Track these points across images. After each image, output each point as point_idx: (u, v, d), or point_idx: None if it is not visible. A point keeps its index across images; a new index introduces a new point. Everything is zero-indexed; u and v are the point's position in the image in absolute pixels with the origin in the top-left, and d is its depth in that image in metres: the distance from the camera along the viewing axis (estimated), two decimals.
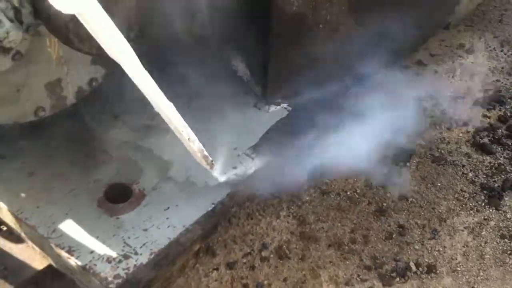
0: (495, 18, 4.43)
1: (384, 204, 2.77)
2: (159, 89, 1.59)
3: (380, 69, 2.96)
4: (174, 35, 2.49)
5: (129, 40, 2.04)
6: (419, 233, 2.64)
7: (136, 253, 1.76)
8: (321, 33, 2.38)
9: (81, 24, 1.65)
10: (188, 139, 1.73)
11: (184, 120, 2.34)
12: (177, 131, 1.70)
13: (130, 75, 1.54)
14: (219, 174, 2.04)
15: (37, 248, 1.92)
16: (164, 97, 1.62)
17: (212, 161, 1.85)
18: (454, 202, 2.81)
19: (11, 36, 1.61)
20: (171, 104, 1.64)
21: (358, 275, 2.45)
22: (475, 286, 2.43)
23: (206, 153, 1.81)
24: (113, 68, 2.15)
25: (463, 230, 2.67)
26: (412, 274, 2.46)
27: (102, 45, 1.50)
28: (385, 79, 3.30)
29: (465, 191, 2.87)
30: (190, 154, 2.15)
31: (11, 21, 1.61)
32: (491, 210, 2.78)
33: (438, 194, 2.85)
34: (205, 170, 2.09)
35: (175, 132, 1.71)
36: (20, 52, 1.72)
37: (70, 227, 1.82)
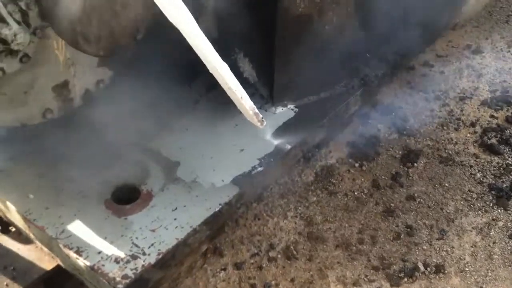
0: (502, 19, 4.43)
1: (392, 205, 2.76)
2: (214, 50, 1.62)
3: (386, 70, 2.96)
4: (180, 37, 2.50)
5: (136, 41, 2.07)
6: (427, 233, 2.63)
7: (144, 254, 1.76)
8: (327, 35, 2.38)
9: (88, 26, 1.67)
10: (241, 97, 1.76)
11: (192, 121, 2.36)
12: (230, 91, 1.74)
13: (186, 36, 1.57)
14: (269, 133, 2.14)
15: (45, 249, 1.93)
16: (219, 58, 1.65)
17: (262, 118, 1.87)
18: (462, 202, 2.81)
19: (18, 38, 1.62)
20: (225, 64, 1.67)
21: (366, 276, 2.44)
22: (484, 286, 2.42)
23: (257, 110, 1.84)
24: (120, 70, 2.17)
25: (471, 231, 2.66)
26: (420, 274, 2.45)
27: (160, 7, 1.53)
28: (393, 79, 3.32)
29: (473, 192, 2.86)
30: (197, 155, 2.17)
31: (19, 23, 1.63)
32: (499, 211, 2.77)
33: (446, 194, 2.84)
34: (212, 171, 2.11)
35: (227, 92, 1.76)
36: (28, 54, 1.74)
37: (78, 228, 1.83)
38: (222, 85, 1.73)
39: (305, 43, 2.34)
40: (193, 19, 1.55)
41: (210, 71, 1.68)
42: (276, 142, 2.22)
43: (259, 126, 1.90)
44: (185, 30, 1.56)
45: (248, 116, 1.86)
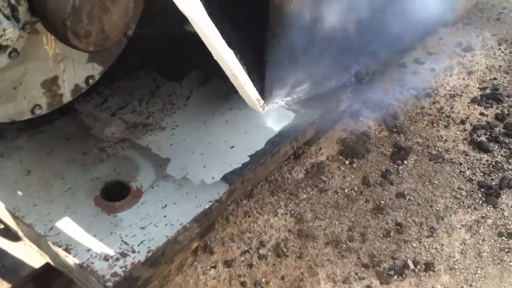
0: (493, 17, 4.44)
1: (382, 202, 2.77)
2: (221, 37, 1.62)
3: (377, 67, 2.97)
4: (172, 34, 2.50)
5: (126, 37, 2.05)
6: (417, 231, 2.64)
7: (133, 251, 1.76)
8: (319, 31, 2.37)
9: (78, 22, 1.65)
10: (244, 84, 1.77)
11: (183, 118, 2.36)
12: (234, 77, 1.77)
13: (192, 22, 1.58)
14: (273, 122, 2.19)
15: (34, 247, 1.92)
16: (225, 44, 1.67)
17: (264, 103, 1.88)
18: (451, 200, 2.81)
19: (7, 33, 1.60)
20: (231, 51, 1.71)
21: (356, 273, 2.45)
22: (473, 284, 2.43)
23: (259, 96, 1.85)
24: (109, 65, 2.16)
25: (460, 228, 2.67)
26: (410, 272, 2.46)
27: None
28: (383, 76, 3.32)
29: (462, 189, 2.87)
30: (187, 152, 2.17)
31: (8, 18, 1.60)
32: (488, 208, 2.78)
33: (435, 192, 2.85)
34: (202, 168, 2.10)
35: (230, 78, 1.79)
36: (17, 49, 1.72)
37: (67, 225, 1.82)
38: (226, 71, 1.74)
39: (297, 40, 2.34)
40: (201, 5, 1.55)
41: (215, 58, 1.68)
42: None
43: (261, 112, 1.90)
44: (193, 17, 1.56)
45: (249, 102, 1.88)
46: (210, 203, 1.95)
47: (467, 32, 4.22)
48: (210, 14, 2.00)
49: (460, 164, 3.02)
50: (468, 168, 2.99)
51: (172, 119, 2.34)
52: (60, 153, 2.13)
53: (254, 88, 1.82)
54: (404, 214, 2.72)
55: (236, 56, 2.47)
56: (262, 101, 1.87)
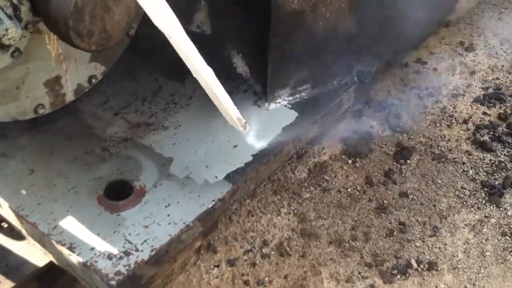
0: (495, 16, 4.43)
1: (385, 201, 2.77)
2: (198, 53, 1.60)
3: (379, 67, 2.96)
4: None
5: (128, 36, 2.06)
6: (420, 230, 2.64)
7: (137, 250, 1.76)
8: (321, 31, 2.37)
9: (81, 21, 1.65)
10: (224, 102, 1.75)
11: (185, 117, 2.35)
12: (213, 95, 1.73)
13: (169, 38, 1.56)
14: (254, 140, 2.11)
15: (38, 245, 1.92)
16: (203, 62, 1.63)
17: (245, 123, 1.86)
18: (454, 199, 2.81)
19: (10, 33, 1.60)
20: (210, 68, 1.66)
21: (359, 272, 2.45)
22: (476, 283, 2.43)
23: (240, 115, 1.83)
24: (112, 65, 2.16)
25: (464, 228, 2.67)
26: (413, 271, 2.46)
27: (144, 8, 1.52)
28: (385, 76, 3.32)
29: (465, 189, 2.87)
30: (190, 152, 2.17)
31: (10, 18, 1.61)
32: (492, 208, 2.78)
33: (438, 191, 2.85)
34: (205, 167, 2.10)
35: (211, 96, 1.74)
36: (19, 49, 1.72)
37: (71, 224, 1.82)
38: (206, 90, 1.71)
39: (299, 39, 2.34)
40: (178, 20, 1.53)
41: (193, 75, 1.66)
42: (258, 145, 2.20)
43: (242, 131, 1.90)
44: (169, 32, 1.54)
45: (231, 121, 1.85)
46: (213, 202, 1.95)
47: (469, 32, 4.22)
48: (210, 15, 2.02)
49: (463, 163, 3.02)
50: (471, 168, 2.99)
51: (175, 118, 2.34)
52: (63, 153, 2.13)
53: (235, 107, 1.80)
54: (407, 213, 2.72)
55: (238, 56, 2.49)
56: (244, 121, 1.84)
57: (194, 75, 1.66)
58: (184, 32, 1.56)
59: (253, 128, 2.30)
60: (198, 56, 1.62)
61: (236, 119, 1.83)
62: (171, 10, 1.52)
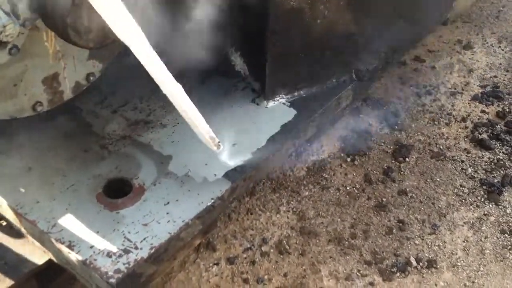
0: (493, 14, 4.44)
1: (384, 199, 2.76)
2: (167, 71, 1.58)
3: (377, 65, 2.96)
4: (171, 30, 2.48)
5: None
6: (419, 228, 2.64)
7: (136, 248, 1.75)
8: (319, 29, 2.37)
9: (79, 18, 1.65)
10: (195, 120, 1.72)
11: None
12: (184, 113, 1.70)
13: (138, 56, 1.53)
14: (226, 157, 2.05)
15: (37, 243, 1.91)
16: (173, 79, 1.61)
17: (219, 142, 1.84)
18: (453, 197, 2.81)
19: (7, 30, 1.60)
20: (179, 85, 1.63)
21: (358, 270, 2.44)
22: (476, 281, 2.43)
23: (213, 134, 1.80)
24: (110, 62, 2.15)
25: (463, 225, 2.67)
26: (412, 269, 2.46)
27: (110, 25, 1.49)
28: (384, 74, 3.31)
29: (464, 187, 2.87)
30: (189, 149, 2.16)
31: (8, 15, 1.60)
32: (490, 206, 2.78)
33: (437, 189, 2.85)
34: (204, 165, 2.09)
35: (182, 114, 1.71)
36: (17, 46, 1.71)
37: (70, 222, 1.81)
38: (177, 108, 1.68)
39: (297, 37, 2.33)
40: (144, 36, 1.50)
41: (163, 92, 1.63)
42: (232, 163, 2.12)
43: (215, 150, 1.87)
44: (136, 49, 1.52)
45: (204, 140, 1.82)
46: (213, 200, 1.94)
47: (467, 30, 4.23)
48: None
49: (462, 161, 3.02)
50: (470, 166, 2.99)
51: (173, 116, 2.33)
52: (61, 151, 2.12)
53: (207, 125, 1.76)
54: (406, 211, 2.72)
55: (237, 54, 2.48)
56: (217, 140, 1.82)
57: (164, 92, 1.62)
58: (152, 49, 1.53)
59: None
60: (168, 74, 1.58)
61: (209, 138, 1.80)
62: (138, 27, 1.49)
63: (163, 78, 1.59)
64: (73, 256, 1.71)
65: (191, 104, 1.69)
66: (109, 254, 1.72)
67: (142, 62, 1.54)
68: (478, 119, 3.33)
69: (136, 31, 1.50)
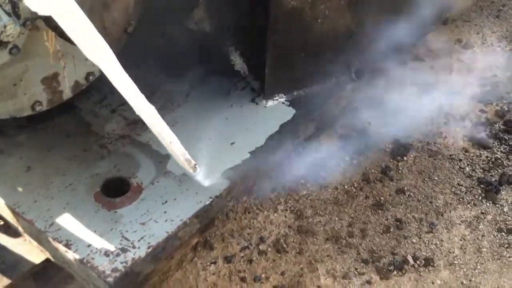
0: (493, 14, 4.43)
1: (382, 198, 2.78)
2: (139, 92, 1.55)
3: (377, 64, 2.96)
4: (173, 29, 2.49)
5: (126, 34, 2.05)
6: (417, 226, 2.65)
7: (134, 247, 1.76)
8: (319, 28, 2.38)
9: None
10: (170, 142, 1.70)
11: (183, 115, 2.34)
12: (159, 134, 1.67)
13: (109, 77, 1.50)
14: (202, 178, 2.02)
15: (34, 242, 1.92)
16: (145, 99, 1.57)
17: (195, 164, 1.82)
18: (451, 196, 2.82)
19: (8, 30, 1.61)
20: (152, 106, 1.60)
21: (356, 269, 2.46)
22: (472, 279, 2.44)
23: (188, 156, 1.77)
24: None
25: (460, 224, 2.68)
26: (409, 267, 2.47)
27: (80, 47, 1.45)
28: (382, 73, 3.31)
29: (462, 185, 2.88)
30: (187, 149, 2.16)
31: (9, 15, 1.61)
32: (488, 204, 2.79)
33: (435, 188, 2.86)
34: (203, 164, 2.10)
35: (156, 135, 1.67)
36: (17, 46, 1.72)
37: (67, 221, 1.82)
38: (151, 128, 1.65)
39: (297, 37, 2.34)
40: (114, 56, 1.46)
41: (136, 113, 1.60)
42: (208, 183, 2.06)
43: (192, 173, 1.86)
44: (107, 71, 1.48)
45: (179, 162, 1.80)
46: (211, 199, 1.95)
47: (466, 29, 4.22)
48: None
49: (460, 160, 3.03)
50: (467, 165, 3.00)
51: (172, 116, 2.34)
52: (60, 150, 2.13)
53: (183, 147, 1.73)
54: (404, 210, 2.73)
55: (236, 53, 2.49)
56: (193, 162, 1.80)
57: (137, 113, 1.59)
58: (122, 68, 1.49)
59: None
60: (140, 94, 1.55)
61: (185, 160, 1.78)
62: (108, 45, 1.45)
63: (135, 99, 1.56)
64: (71, 255, 1.72)
65: (165, 124, 1.65)
66: (106, 253, 1.73)
67: (113, 83, 1.51)
68: (477, 118, 3.33)
69: (105, 50, 1.46)
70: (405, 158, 3.02)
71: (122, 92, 1.55)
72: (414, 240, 2.58)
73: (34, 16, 1.68)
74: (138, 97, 1.57)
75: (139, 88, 2.38)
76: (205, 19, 2.44)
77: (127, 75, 1.52)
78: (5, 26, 1.59)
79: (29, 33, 1.74)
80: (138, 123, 2.29)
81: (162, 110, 2.34)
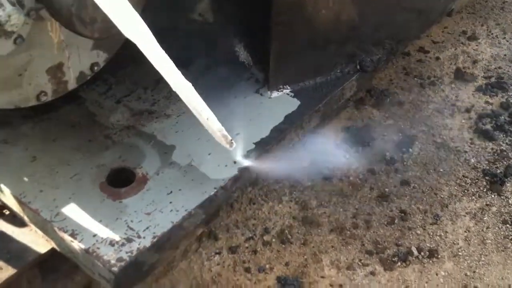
0: (497, 5, 4.42)
1: (386, 190, 2.77)
2: (176, 69, 1.57)
3: (381, 55, 2.96)
4: (176, 20, 2.49)
5: None
6: (421, 218, 2.65)
7: (139, 237, 1.76)
8: (323, 19, 2.37)
9: (84, 8, 1.65)
10: (207, 118, 1.71)
11: (185, 104, 2.34)
12: (196, 111, 1.68)
13: (146, 54, 1.52)
14: (238, 154, 2.05)
15: (40, 232, 1.92)
16: (182, 77, 1.60)
17: (231, 140, 1.83)
18: (456, 187, 2.82)
19: (12, 19, 1.61)
20: (189, 84, 1.62)
21: (360, 260, 2.46)
22: (477, 271, 2.44)
23: (225, 132, 1.79)
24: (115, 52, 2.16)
25: (465, 216, 2.68)
26: (413, 258, 2.47)
27: (117, 25, 1.47)
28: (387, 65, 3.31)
29: (467, 177, 2.88)
30: (193, 139, 2.16)
31: (13, 4, 1.61)
32: (493, 196, 2.79)
33: (440, 179, 2.86)
34: (207, 155, 2.10)
35: (193, 111, 1.69)
36: (22, 36, 1.72)
37: (73, 211, 1.82)
38: (187, 105, 1.66)
39: (301, 28, 2.33)
40: (152, 35, 1.49)
41: (173, 89, 1.61)
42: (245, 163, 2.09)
43: (228, 148, 1.86)
44: (145, 47, 1.50)
45: (216, 138, 1.81)
46: (215, 190, 1.95)
47: (471, 21, 4.21)
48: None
49: (465, 152, 3.02)
50: (473, 156, 3.00)
51: (178, 106, 2.33)
52: (65, 140, 2.13)
53: (219, 123, 1.74)
54: (408, 201, 2.73)
55: (241, 44, 2.48)
56: (229, 138, 1.80)
57: (174, 89, 1.61)
58: (160, 47, 1.52)
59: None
60: (177, 71, 1.57)
61: (222, 136, 1.79)
62: (146, 25, 1.48)
63: (173, 76, 1.58)
64: (76, 245, 1.72)
65: (202, 102, 1.68)
66: (111, 243, 1.73)
67: (151, 60, 1.53)
68: (482, 110, 3.33)
69: (142, 27, 1.48)
70: (410, 149, 3.01)
71: (159, 68, 1.56)
72: (418, 232, 2.58)
73: (38, 6, 1.68)
74: (175, 73, 1.58)
75: (143, 77, 2.39)
76: (209, 10, 2.44)
77: (163, 51, 1.54)
78: (9, 16, 1.59)
79: (33, 23, 1.74)
80: (143, 114, 2.29)
81: (167, 100, 2.35)
